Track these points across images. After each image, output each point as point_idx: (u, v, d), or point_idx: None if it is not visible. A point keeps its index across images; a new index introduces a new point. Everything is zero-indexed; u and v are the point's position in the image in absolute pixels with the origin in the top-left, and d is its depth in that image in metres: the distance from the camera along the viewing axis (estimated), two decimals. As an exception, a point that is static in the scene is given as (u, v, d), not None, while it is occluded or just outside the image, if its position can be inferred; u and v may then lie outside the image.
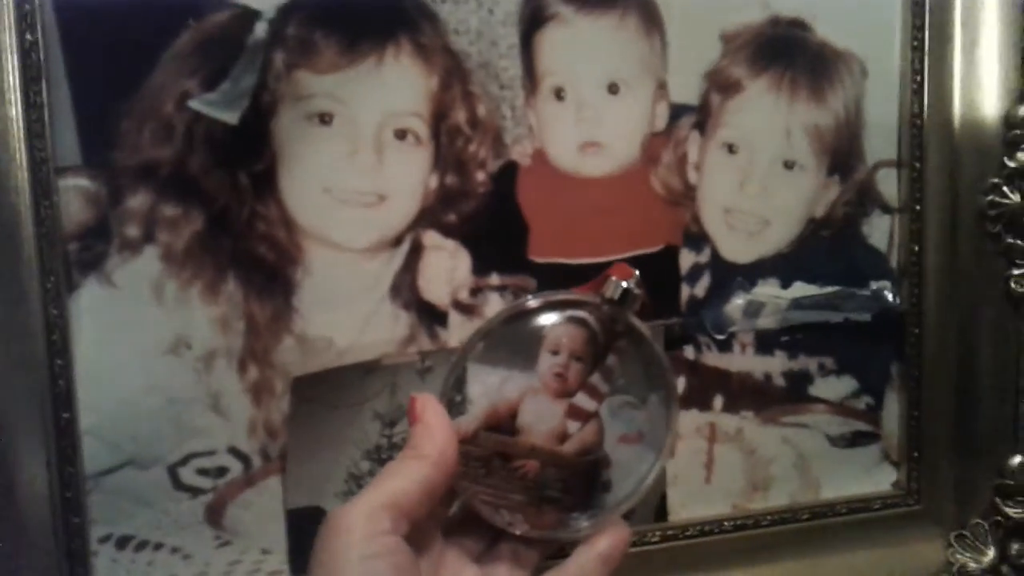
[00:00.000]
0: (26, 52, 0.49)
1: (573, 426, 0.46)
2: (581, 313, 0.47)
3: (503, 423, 0.45)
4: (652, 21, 0.61)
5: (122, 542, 0.54)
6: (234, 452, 0.55)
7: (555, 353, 0.46)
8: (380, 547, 0.40)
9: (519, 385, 0.45)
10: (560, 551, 0.48)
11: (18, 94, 0.49)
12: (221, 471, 0.55)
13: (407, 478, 0.42)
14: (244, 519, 0.56)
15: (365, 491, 0.41)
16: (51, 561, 0.52)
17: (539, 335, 0.46)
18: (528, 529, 0.46)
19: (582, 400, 0.46)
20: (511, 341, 0.46)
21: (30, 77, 0.49)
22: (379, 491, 0.41)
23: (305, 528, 0.57)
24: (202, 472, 0.55)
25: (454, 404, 0.45)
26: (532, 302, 0.47)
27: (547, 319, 0.47)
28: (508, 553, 0.47)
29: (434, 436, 0.43)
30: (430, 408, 0.44)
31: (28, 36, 0.49)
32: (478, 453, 0.45)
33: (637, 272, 0.47)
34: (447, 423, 0.44)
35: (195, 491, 0.55)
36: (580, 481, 0.46)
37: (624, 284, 0.46)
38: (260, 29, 0.53)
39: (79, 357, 0.52)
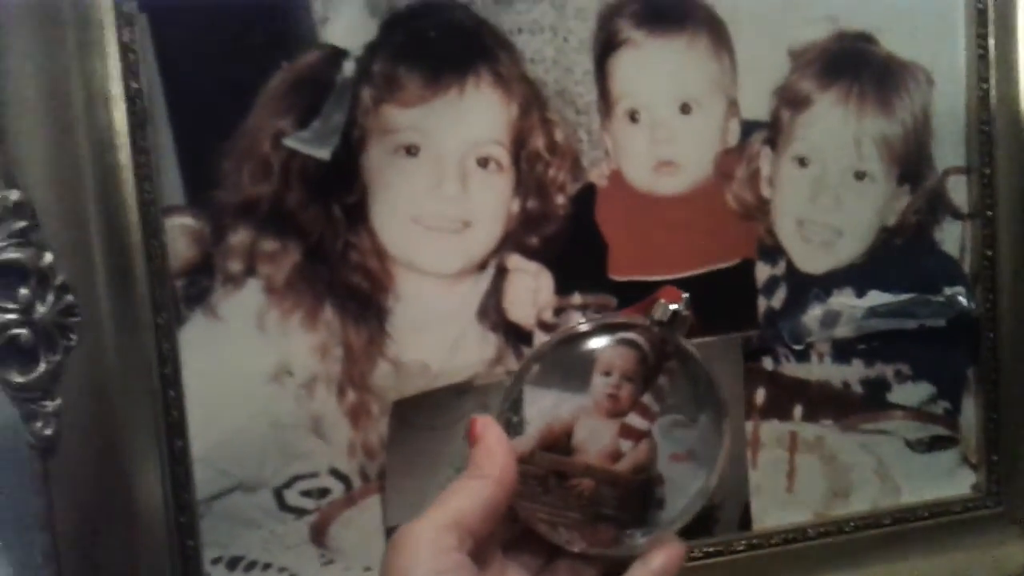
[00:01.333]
0: (131, 99, 0.52)
1: (626, 445, 0.47)
2: (632, 335, 0.48)
3: (558, 443, 0.47)
4: (721, 41, 0.63)
5: (233, 563, 0.56)
6: (335, 473, 0.57)
7: (607, 374, 0.48)
8: (446, 564, 0.41)
9: (573, 406, 0.47)
10: (619, 567, 0.48)
11: (126, 139, 0.52)
12: (324, 492, 0.57)
13: (470, 497, 0.43)
14: (346, 538, 0.58)
15: (430, 510, 0.43)
16: (166, 582, 0.55)
17: (591, 357, 0.48)
18: (585, 546, 0.47)
19: (634, 420, 0.47)
20: (564, 363, 0.47)
21: (136, 124, 0.52)
22: (443, 510, 0.42)
23: (403, 546, 0.59)
24: (306, 494, 0.57)
25: (511, 425, 0.47)
26: (584, 325, 0.48)
27: (599, 341, 0.48)
28: (566, 569, 0.48)
29: (494, 456, 0.45)
30: (490, 429, 0.46)
31: (133, 84, 0.51)
32: (535, 472, 0.46)
33: (686, 295, 0.48)
34: (506, 444, 0.45)
35: (300, 512, 0.57)
36: (634, 499, 0.47)
37: (673, 307, 0.48)
38: (348, 67, 0.55)
39: (189, 387, 0.54)
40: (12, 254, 0.48)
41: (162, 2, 0.52)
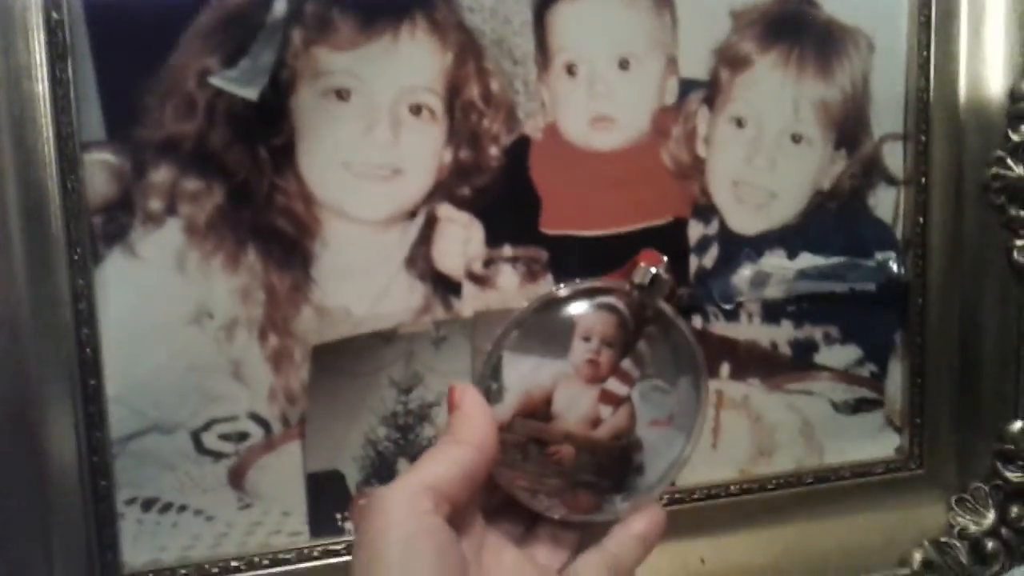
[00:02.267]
0: (52, 30, 0.50)
1: (606, 411, 0.47)
2: (611, 300, 0.48)
3: (538, 410, 0.46)
4: (662, -3, 0.62)
5: (147, 504, 0.56)
6: (255, 418, 0.57)
7: (587, 340, 0.47)
8: (421, 526, 0.40)
9: (552, 372, 0.46)
10: (599, 532, 0.48)
11: (45, 71, 0.51)
12: (242, 436, 0.57)
13: (447, 462, 0.43)
14: (265, 482, 0.58)
15: (405, 474, 0.42)
16: (79, 522, 0.54)
17: (571, 323, 0.47)
18: (566, 513, 0.47)
19: (614, 385, 0.47)
20: (543, 329, 0.47)
21: (56, 55, 0.51)
22: (420, 474, 0.42)
23: (324, 491, 0.59)
24: (224, 437, 0.57)
25: (491, 392, 0.46)
26: (563, 291, 0.48)
27: (578, 307, 0.47)
28: (547, 535, 0.48)
29: (473, 423, 0.44)
30: (469, 396, 0.45)
31: (54, 14, 0.50)
32: (514, 440, 0.46)
33: (665, 258, 0.48)
34: (486, 410, 0.45)
35: (217, 455, 0.57)
36: (614, 465, 0.47)
37: (653, 270, 0.47)
38: (279, 7, 0.55)
39: (105, 326, 0.54)
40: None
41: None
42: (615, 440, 0.47)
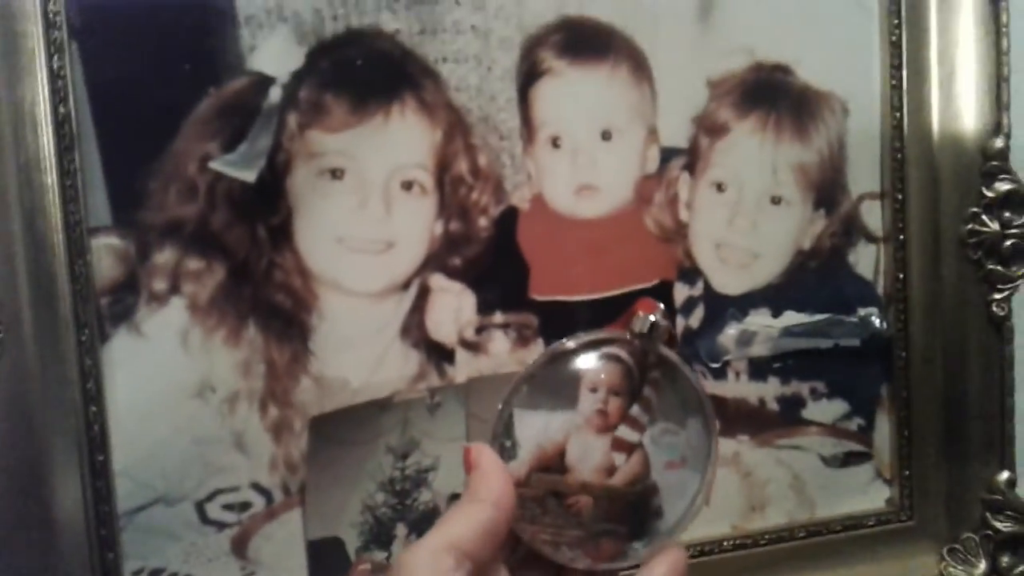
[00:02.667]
0: (59, 123, 0.53)
1: (619, 459, 0.47)
2: (614, 350, 0.49)
3: (552, 463, 0.47)
4: (641, 71, 0.65)
5: (154, 575, 0.58)
6: (257, 487, 0.59)
7: (594, 391, 0.48)
8: None
9: (563, 424, 0.47)
10: None
11: (53, 162, 0.53)
12: (245, 505, 0.59)
13: (467, 521, 0.43)
14: (267, 550, 0.60)
15: (427, 536, 0.43)
16: (88, 594, 0.56)
17: (577, 375, 0.48)
18: (590, 563, 0.48)
19: (625, 433, 0.48)
20: (551, 383, 0.48)
21: (64, 147, 0.53)
22: (441, 534, 0.43)
23: (324, 557, 0.60)
24: (227, 507, 0.59)
25: (504, 449, 0.47)
26: (568, 344, 0.49)
27: (583, 359, 0.49)
28: None
29: (490, 480, 0.45)
30: (484, 455, 0.46)
31: (61, 109, 0.53)
32: (532, 494, 0.47)
33: (662, 305, 0.50)
34: (501, 467, 0.46)
35: (221, 525, 0.59)
36: (633, 511, 0.48)
37: (651, 318, 0.49)
38: (275, 94, 0.57)
39: (112, 403, 0.56)
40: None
41: (92, 30, 0.54)
42: (631, 487, 0.47)
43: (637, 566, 0.47)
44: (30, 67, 0.52)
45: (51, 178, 0.53)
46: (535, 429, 0.47)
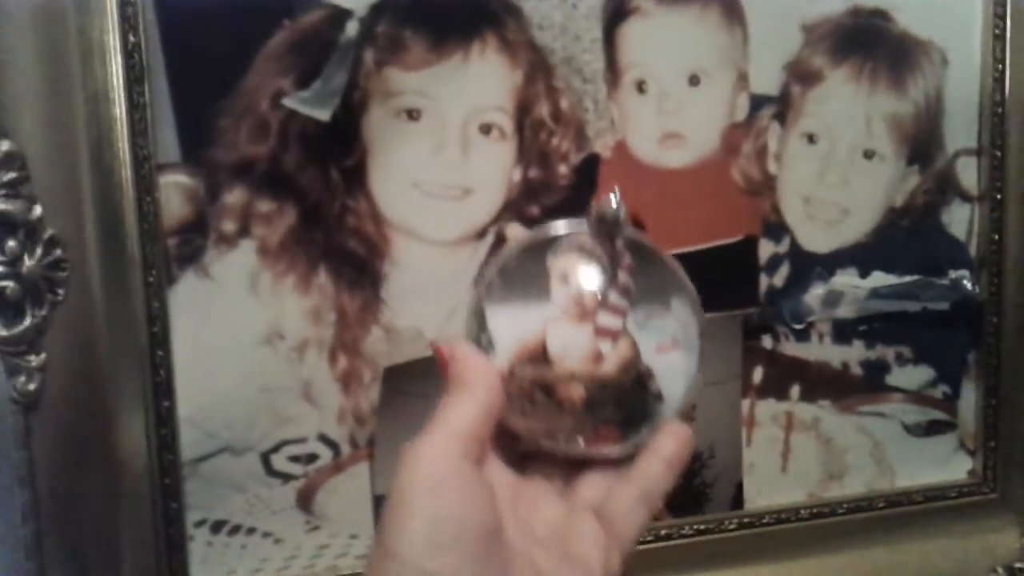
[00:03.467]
0: (129, 53, 0.51)
1: (605, 346, 0.45)
2: (580, 240, 0.46)
3: (536, 357, 0.45)
4: (733, 13, 0.61)
5: (217, 526, 0.56)
6: (324, 439, 0.57)
7: (566, 281, 0.46)
8: (450, 471, 0.40)
9: (540, 317, 0.45)
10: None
11: (122, 94, 0.51)
12: (311, 458, 0.57)
13: (464, 409, 0.42)
14: (333, 504, 0.58)
15: (429, 429, 0.42)
16: (150, 544, 0.54)
17: (547, 267, 0.46)
18: (589, 450, 0.46)
19: (606, 320, 0.45)
20: (520, 278, 0.46)
21: (133, 78, 0.51)
22: (443, 425, 0.41)
23: (392, 513, 0.58)
24: (293, 459, 0.57)
25: (482, 346, 0.45)
26: (535, 235, 0.47)
27: (551, 250, 0.46)
28: (588, 481, 0.46)
29: (473, 367, 0.43)
30: (459, 347, 0.44)
31: (131, 38, 0.51)
32: (519, 388, 0.45)
33: (617, 187, 0.47)
34: (481, 355, 0.44)
35: (286, 477, 0.57)
36: (630, 397, 0.46)
37: (613, 201, 0.46)
38: (351, 28, 0.54)
39: (178, 348, 0.54)
40: (1, 205, 0.47)
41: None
42: (625, 373, 0.45)
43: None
44: (99, -2, 0.49)
45: (119, 110, 0.51)
46: (511, 323, 0.45)
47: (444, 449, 0.41)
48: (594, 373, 0.45)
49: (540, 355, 0.45)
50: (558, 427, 0.45)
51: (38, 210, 0.48)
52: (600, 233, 0.46)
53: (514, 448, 0.46)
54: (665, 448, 0.45)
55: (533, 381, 0.45)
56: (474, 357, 0.44)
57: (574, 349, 0.45)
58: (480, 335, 0.46)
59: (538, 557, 0.43)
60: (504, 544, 0.42)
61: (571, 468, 0.47)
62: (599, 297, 0.46)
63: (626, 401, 0.46)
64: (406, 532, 0.39)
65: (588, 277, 0.46)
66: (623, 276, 0.46)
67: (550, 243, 0.47)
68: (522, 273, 0.46)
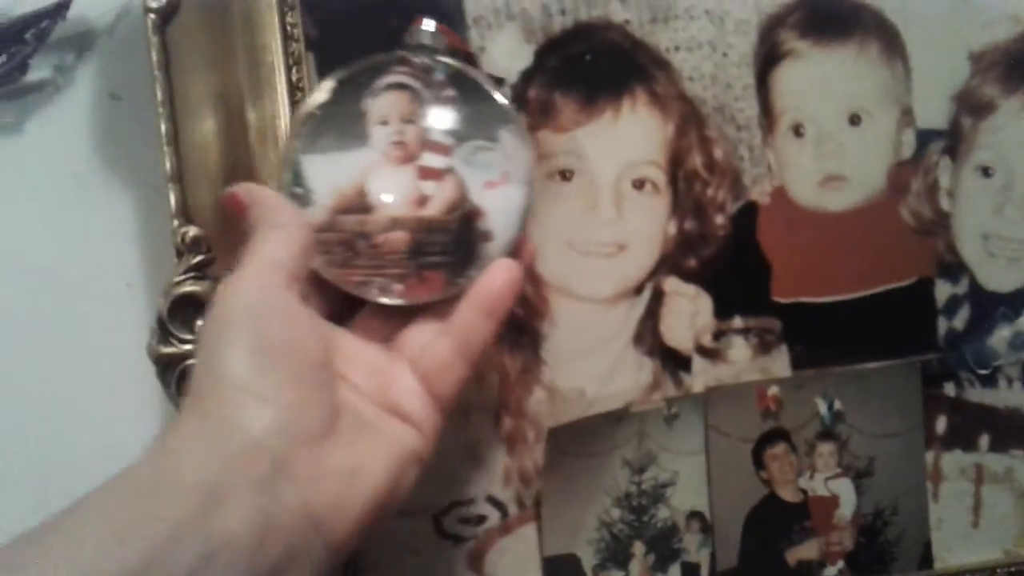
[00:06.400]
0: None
1: (429, 187, 0.44)
2: (397, 77, 0.45)
3: (354, 204, 0.44)
4: (893, 47, 0.59)
5: (393, 588, 0.57)
6: (492, 500, 0.57)
7: (384, 123, 0.44)
8: (276, 296, 0.39)
9: (358, 163, 0.44)
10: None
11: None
12: (480, 519, 0.57)
13: (275, 242, 0.41)
14: (502, 565, 0.58)
15: (246, 263, 0.41)
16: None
17: (361, 111, 0.44)
18: (405, 298, 0.44)
19: (429, 159, 0.44)
20: (334, 124, 0.44)
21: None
22: (257, 258, 0.41)
23: (560, 575, 0.58)
24: (463, 520, 0.57)
25: (296, 197, 0.44)
26: (341, 76, 0.45)
27: (364, 92, 0.45)
28: (413, 330, 0.45)
29: (275, 205, 0.42)
30: (255, 190, 0.44)
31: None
32: (338, 238, 0.44)
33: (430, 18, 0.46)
34: (282, 196, 0.43)
35: (457, 539, 0.57)
36: (457, 238, 0.44)
37: (425, 27, 0.44)
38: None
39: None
40: (190, 287, 0.50)
41: (326, 41, 0.54)
42: (450, 213, 0.44)
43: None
44: (270, 80, 0.52)
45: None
46: (327, 172, 0.44)
47: (263, 279, 0.40)
48: (417, 217, 0.44)
49: (359, 202, 0.44)
50: (381, 275, 0.44)
51: (222, 289, 0.51)
52: (416, 66, 0.44)
53: (333, 301, 0.44)
54: (485, 289, 0.43)
55: (352, 230, 0.44)
56: (276, 197, 0.43)
57: (396, 194, 0.44)
58: (295, 188, 0.44)
59: (360, 405, 0.41)
60: (331, 382, 0.40)
61: (395, 320, 0.45)
62: (421, 136, 0.44)
63: (452, 244, 0.44)
64: (232, 353, 0.38)
65: (409, 116, 0.44)
66: (445, 111, 0.45)
67: (364, 82, 0.45)
68: (336, 117, 0.44)
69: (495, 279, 0.44)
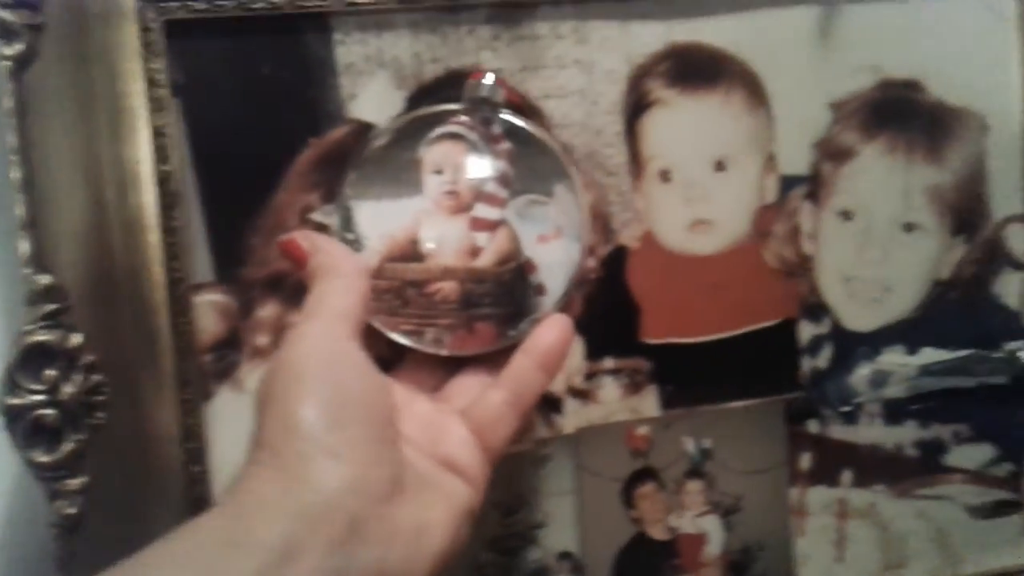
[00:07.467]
0: (162, 182, 0.53)
1: (481, 239, 0.44)
2: (451, 128, 0.45)
3: (406, 252, 0.44)
4: (758, 95, 0.61)
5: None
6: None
7: (439, 172, 0.45)
8: (342, 349, 0.40)
9: (409, 210, 0.44)
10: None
11: (156, 220, 0.53)
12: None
13: (339, 292, 0.41)
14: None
15: (312, 314, 0.41)
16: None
17: (415, 159, 0.44)
18: (458, 347, 0.44)
19: (482, 211, 0.44)
20: (387, 170, 0.44)
21: (167, 205, 0.53)
22: (322, 308, 0.41)
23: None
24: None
25: (347, 243, 0.44)
26: (398, 125, 0.45)
27: (420, 141, 0.45)
28: (462, 381, 0.45)
29: (336, 254, 0.43)
30: (314, 237, 0.44)
31: (163, 167, 0.53)
32: (388, 286, 0.43)
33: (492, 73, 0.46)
34: (341, 244, 0.43)
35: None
36: (509, 291, 0.44)
37: (486, 82, 0.44)
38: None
39: (214, 462, 0.55)
40: (41, 336, 0.49)
41: (192, 86, 0.53)
42: (502, 265, 0.44)
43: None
44: (132, 125, 0.52)
45: (154, 236, 0.53)
46: (378, 219, 0.44)
47: (333, 330, 0.40)
48: (468, 267, 0.43)
49: (411, 251, 0.44)
50: (431, 324, 0.44)
51: (77, 338, 0.50)
52: (475, 117, 0.44)
53: (379, 350, 0.44)
54: (540, 343, 0.44)
55: (403, 278, 0.43)
56: (336, 246, 0.43)
57: (448, 244, 0.44)
58: (346, 234, 0.44)
59: (416, 460, 0.41)
60: (397, 438, 0.40)
61: (441, 370, 0.45)
62: (474, 187, 0.44)
63: (503, 296, 0.44)
64: (305, 408, 0.37)
65: (463, 166, 0.44)
66: (501, 164, 0.45)
67: (420, 131, 0.45)
68: (390, 165, 0.44)
69: (551, 333, 0.44)
